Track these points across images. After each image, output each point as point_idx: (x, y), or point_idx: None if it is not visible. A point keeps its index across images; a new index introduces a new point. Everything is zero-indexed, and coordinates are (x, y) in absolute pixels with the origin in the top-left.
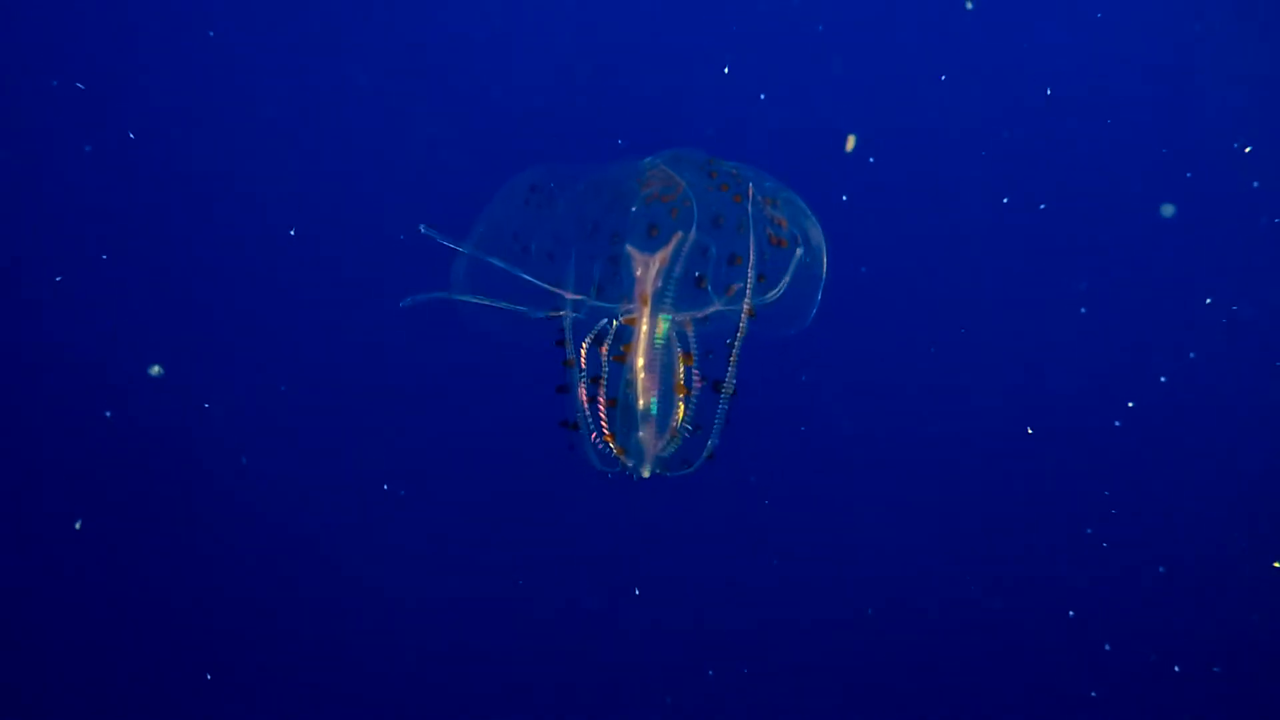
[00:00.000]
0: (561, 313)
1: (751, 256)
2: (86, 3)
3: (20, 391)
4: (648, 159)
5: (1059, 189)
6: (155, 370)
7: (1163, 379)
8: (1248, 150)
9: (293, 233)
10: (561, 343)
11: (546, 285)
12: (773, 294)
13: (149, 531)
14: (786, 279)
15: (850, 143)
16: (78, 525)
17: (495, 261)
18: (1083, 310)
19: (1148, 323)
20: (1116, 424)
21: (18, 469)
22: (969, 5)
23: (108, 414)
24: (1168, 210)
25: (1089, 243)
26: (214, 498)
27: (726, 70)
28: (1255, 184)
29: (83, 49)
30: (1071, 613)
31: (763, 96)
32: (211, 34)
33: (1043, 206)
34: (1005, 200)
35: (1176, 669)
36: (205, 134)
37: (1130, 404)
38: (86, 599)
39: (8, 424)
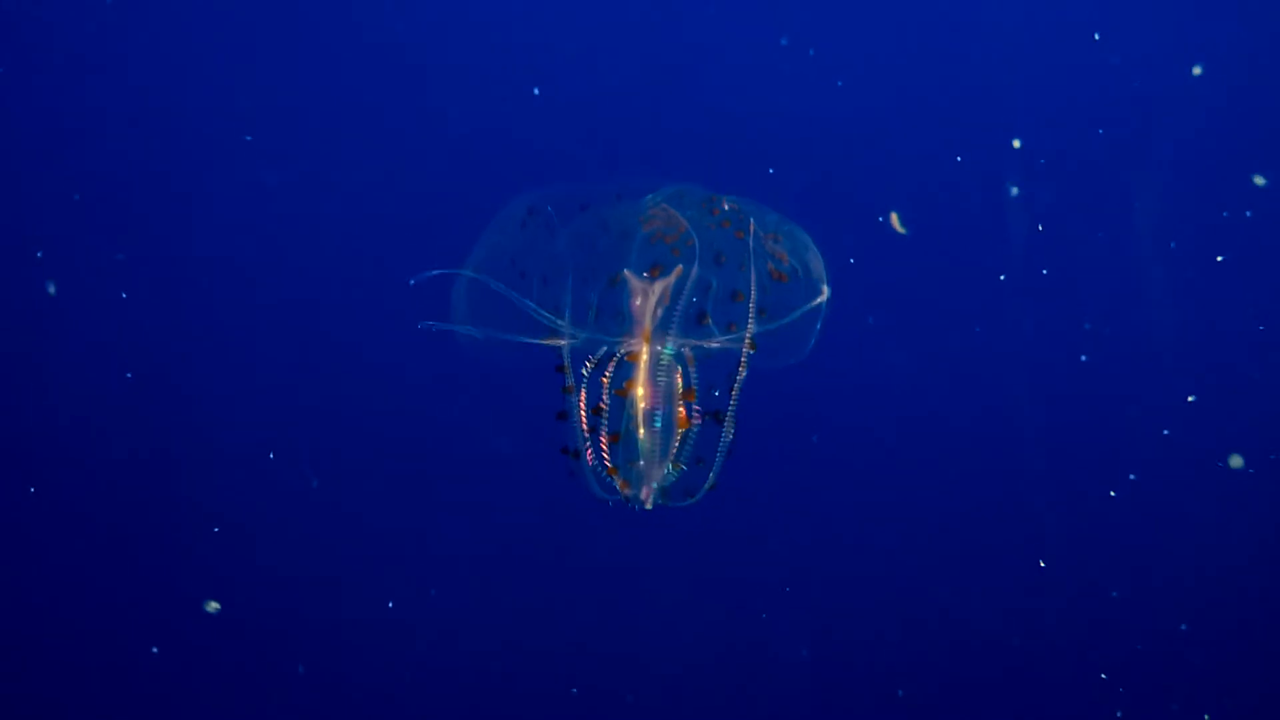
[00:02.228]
0: (560, 340)
1: (753, 293)
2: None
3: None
4: (649, 196)
5: (1068, 245)
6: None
7: (1165, 432)
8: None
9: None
10: (561, 369)
11: (545, 312)
12: (772, 327)
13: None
14: (787, 314)
15: (895, 222)
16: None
17: (494, 285)
18: (1083, 358)
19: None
20: (1131, 477)
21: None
22: (1097, 36)
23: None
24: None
25: (1092, 296)
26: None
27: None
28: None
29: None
30: (1103, 675)
31: (771, 170)
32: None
33: (1045, 272)
34: (1002, 277)
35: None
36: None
37: (1141, 458)
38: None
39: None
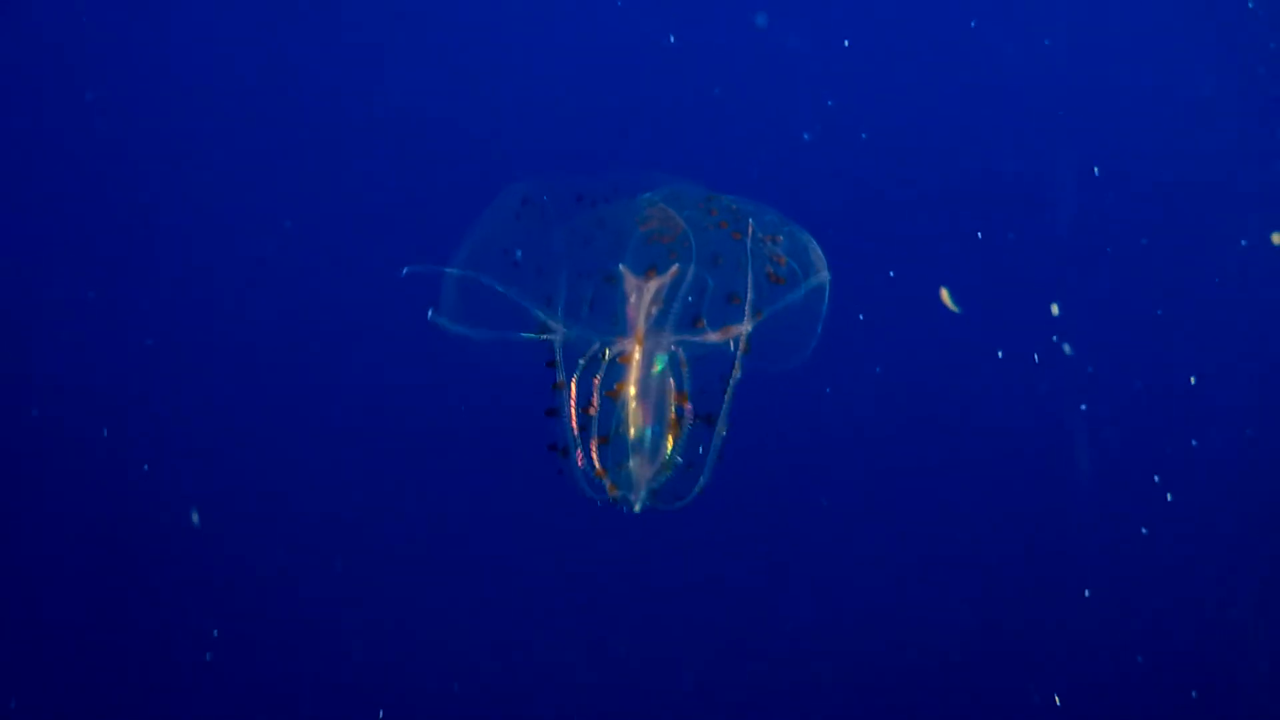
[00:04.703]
0: (553, 335)
1: (749, 294)
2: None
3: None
4: (646, 195)
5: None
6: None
7: (1156, 478)
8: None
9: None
10: (552, 364)
11: (538, 306)
12: (770, 330)
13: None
14: (782, 312)
15: (946, 298)
16: None
17: (486, 280)
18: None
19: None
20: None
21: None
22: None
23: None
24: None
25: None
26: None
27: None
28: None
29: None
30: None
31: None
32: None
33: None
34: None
35: None
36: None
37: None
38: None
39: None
